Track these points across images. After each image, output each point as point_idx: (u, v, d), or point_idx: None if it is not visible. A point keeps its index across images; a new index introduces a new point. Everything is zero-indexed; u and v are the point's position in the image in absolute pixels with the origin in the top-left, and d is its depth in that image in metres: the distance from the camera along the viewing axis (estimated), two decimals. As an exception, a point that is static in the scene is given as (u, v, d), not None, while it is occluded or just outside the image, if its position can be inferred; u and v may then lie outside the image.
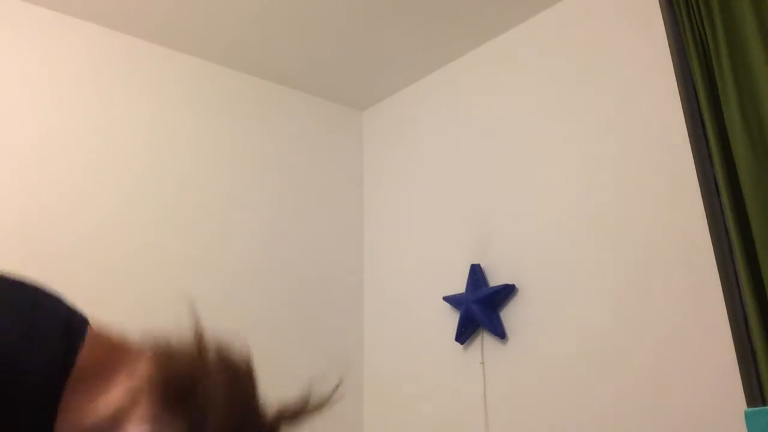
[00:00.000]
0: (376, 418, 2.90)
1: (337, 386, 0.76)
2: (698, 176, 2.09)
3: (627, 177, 2.27)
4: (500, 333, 2.47)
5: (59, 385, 0.66)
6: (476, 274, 2.58)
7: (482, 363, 2.52)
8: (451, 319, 2.66)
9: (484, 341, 2.54)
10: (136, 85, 2.73)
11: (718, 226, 2.04)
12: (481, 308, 2.49)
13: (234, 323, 2.68)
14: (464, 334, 2.57)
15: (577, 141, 2.45)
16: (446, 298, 2.66)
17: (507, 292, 2.48)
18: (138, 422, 0.68)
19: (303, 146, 3.16)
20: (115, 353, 0.72)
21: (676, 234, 2.11)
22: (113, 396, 0.69)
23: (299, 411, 0.74)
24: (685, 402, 1.97)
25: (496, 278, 2.55)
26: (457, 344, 2.61)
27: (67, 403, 0.67)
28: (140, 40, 2.79)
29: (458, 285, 2.65)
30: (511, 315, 2.48)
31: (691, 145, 2.12)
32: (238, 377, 0.72)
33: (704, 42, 2.12)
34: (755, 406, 1.80)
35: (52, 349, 0.68)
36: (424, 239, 2.91)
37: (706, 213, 2.04)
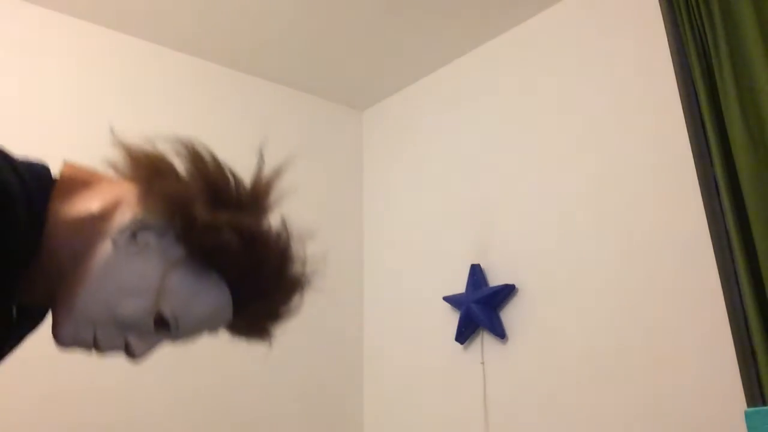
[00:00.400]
0: (376, 418, 2.90)
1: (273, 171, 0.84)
2: (698, 176, 2.09)
3: (627, 177, 2.27)
4: (500, 333, 2.47)
5: (45, 195, 0.74)
6: (476, 274, 2.58)
7: (482, 363, 2.52)
8: (451, 319, 2.66)
9: (484, 341, 2.54)
10: (135, 85, 2.73)
11: (718, 226, 2.04)
12: (481, 308, 2.49)
13: (234, 323, 2.68)
14: (464, 334, 2.57)
15: (576, 141, 2.45)
16: (446, 298, 2.66)
17: (507, 292, 2.48)
18: (128, 204, 0.76)
19: (303, 146, 3.16)
20: (93, 174, 0.79)
21: (676, 234, 2.11)
22: (100, 195, 0.77)
23: (268, 179, 0.83)
24: (685, 402, 1.97)
25: (496, 278, 2.55)
26: (457, 344, 2.61)
27: (56, 205, 0.75)
28: (140, 41, 2.79)
29: (458, 285, 2.65)
30: (511, 315, 2.48)
31: (691, 145, 2.12)
32: (206, 158, 0.80)
33: (704, 42, 2.12)
34: (755, 406, 1.80)
35: (36, 171, 0.75)
36: (424, 239, 2.91)
37: (706, 213, 2.04)
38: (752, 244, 1.89)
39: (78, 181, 0.78)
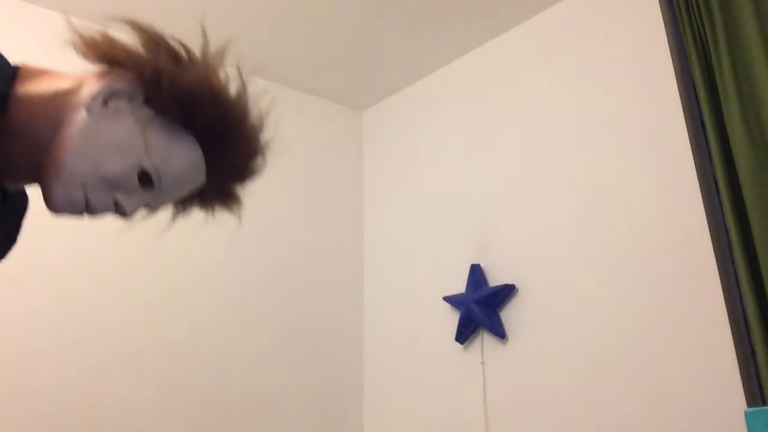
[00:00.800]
0: (376, 418, 2.90)
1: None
2: (698, 176, 2.09)
3: (627, 177, 2.27)
4: (500, 333, 2.47)
5: (11, 75, 0.79)
6: (476, 274, 2.58)
7: (482, 363, 2.52)
8: (451, 319, 2.65)
9: (484, 341, 2.54)
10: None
11: (718, 226, 2.04)
12: (481, 308, 2.49)
13: (234, 323, 2.68)
14: (464, 334, 2.57)
15: (576, 141, 2.45)
16: (446, 298, 2.66)
17: (507, 292, 2.48)
18: (93, 80, 0.82)
19: (303, 146, 3.16)
20: (55, 72, 0.85)
21: (676, 234, 2.11)
22: (64, 77, 0.83)
23: (214, 54, 0.87)
24: (685, 402, 1.97)
25: (496, 278, 2.55)
26: (457, 344, 2.61)
27: (23, 85, 0.80)
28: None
29: (458, 285, 2.65)
30: (511, 315, 2.48)
31: (691, 145, 2.12)
32: (156, 30, 0.84)
33: (704, 42, 2.12)
34: (755, 406, 1.80)
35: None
36: (424, 239, 2.91)
37: (706, 213, 2.04)
38: (752, 244, 1.89)
39: (39, 70, 0.84)
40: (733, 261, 1.98)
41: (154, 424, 2.41)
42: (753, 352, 1.87)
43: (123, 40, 0.83)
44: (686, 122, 2.14)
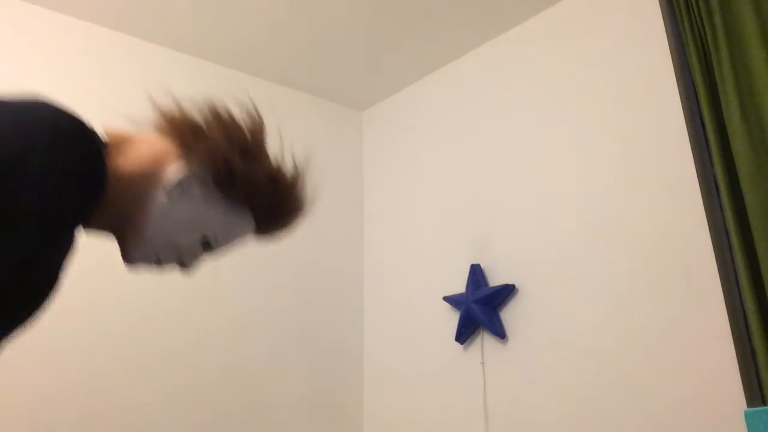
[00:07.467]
0: (376, 418, 2.90)
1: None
2: (698, 176, 2.09)
3: (627, 177, 2.27)
4: (500, 333, 2.47)
5: (102, 153, 0.91)
6: (476, 274, 2.58)
7: (482, 363, 2.52)
8: (451, 319, 2.66)
9: (484, 341, 2.54)
10: (136, 86, 2.73)
11: (718, 226, 2.04)
12: (481, 308, 2.49)
13: (234, 323, 2.68)
14: (464, 334, 2.57)
15: (577, 141, 2.45)
16: (446, 298, 2.66)
17: (507, 292, 2.48)
18: (172, 160, 0.96)
19: (303, 146, 3.16)
20: (132, 136, 0.99)
21: (676, 234, 2.11)
22: (146, 152, 0.97)
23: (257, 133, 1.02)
24: (685, 402, 1.97)
25: (496, 278, 2.56)
26: (457, 344, 2.61)
27: (114, 160, 0.93)
28: (140, 41, 2.79)
29: (458, 285, 2.65)
30: (511, 315, 2.48)
31: (691, 145, 2.12)
32: (223, 113, 1.01)
33: (704, 42, 2.13)
34: (755, 406, 1.80)
35: (89, 133, 0.90)
36: (424, 239, 2.91)
37: (706, 213, 2.04)
38: (752, 244, 1.89)
39: (122, 139, 0.97)
40: (733, 261, 1.98)
41: (156, 428, 2.41)
42: (753, 352, 1.88)
43: (196, 123, 0.97)
44: (686, 122, 2.14)
